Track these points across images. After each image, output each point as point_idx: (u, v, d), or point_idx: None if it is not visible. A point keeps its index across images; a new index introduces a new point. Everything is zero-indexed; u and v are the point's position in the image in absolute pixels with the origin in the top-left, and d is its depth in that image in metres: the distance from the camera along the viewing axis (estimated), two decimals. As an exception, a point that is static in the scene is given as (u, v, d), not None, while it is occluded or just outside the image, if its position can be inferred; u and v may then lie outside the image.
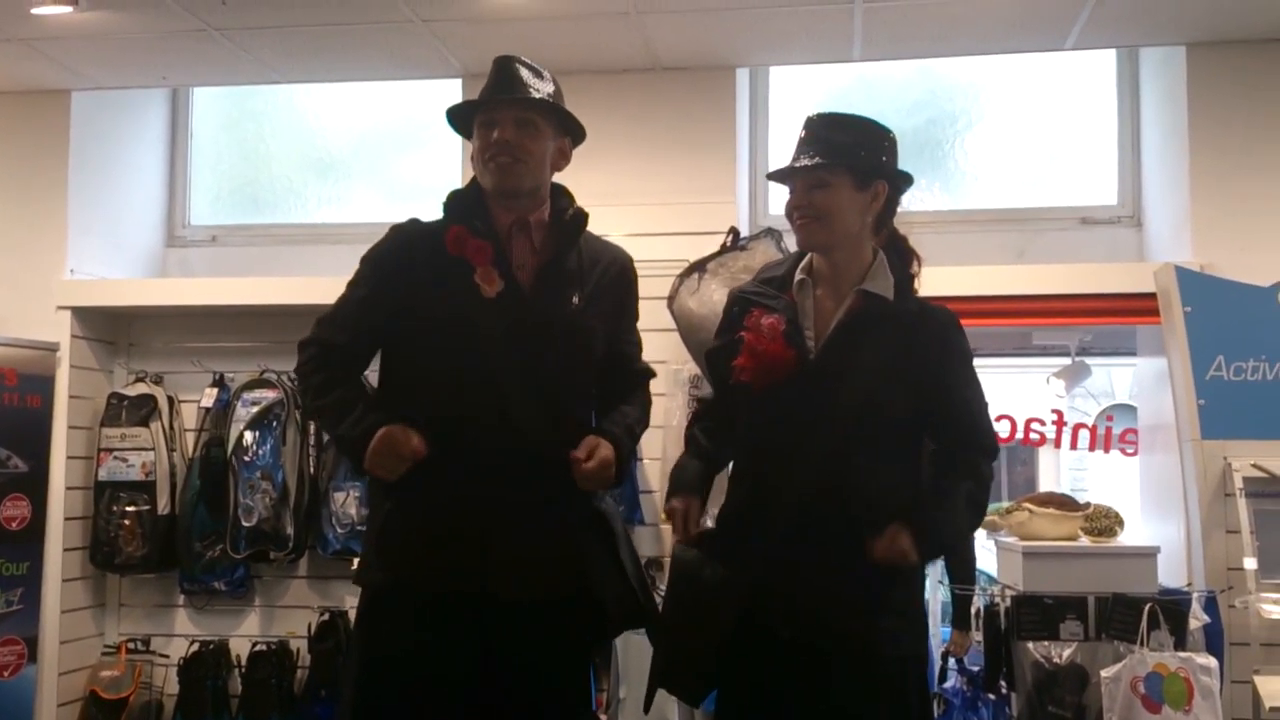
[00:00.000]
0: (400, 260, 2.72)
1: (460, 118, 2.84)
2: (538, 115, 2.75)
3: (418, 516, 2.62)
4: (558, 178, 2.86)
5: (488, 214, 2.75)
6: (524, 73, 2.76)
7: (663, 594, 2.88)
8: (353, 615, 4.81)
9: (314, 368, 2.75)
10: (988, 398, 2.83)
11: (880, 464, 2.63)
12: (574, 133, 2.85)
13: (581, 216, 2.83)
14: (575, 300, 2.74)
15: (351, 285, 2.79)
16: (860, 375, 2.63)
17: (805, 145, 2.72)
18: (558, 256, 2.77)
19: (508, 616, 2.59)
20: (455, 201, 2.80)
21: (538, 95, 2.75)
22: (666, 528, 4.57)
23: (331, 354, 2.75)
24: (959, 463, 2.72)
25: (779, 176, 2.78)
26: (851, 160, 2.69)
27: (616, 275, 2.88)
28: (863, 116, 2.77)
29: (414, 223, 2.81)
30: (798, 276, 2.75)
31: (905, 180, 2.80)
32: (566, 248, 2.79)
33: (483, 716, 2.63)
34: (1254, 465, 4.03)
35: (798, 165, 2.70)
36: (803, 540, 2.60)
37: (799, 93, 5.30)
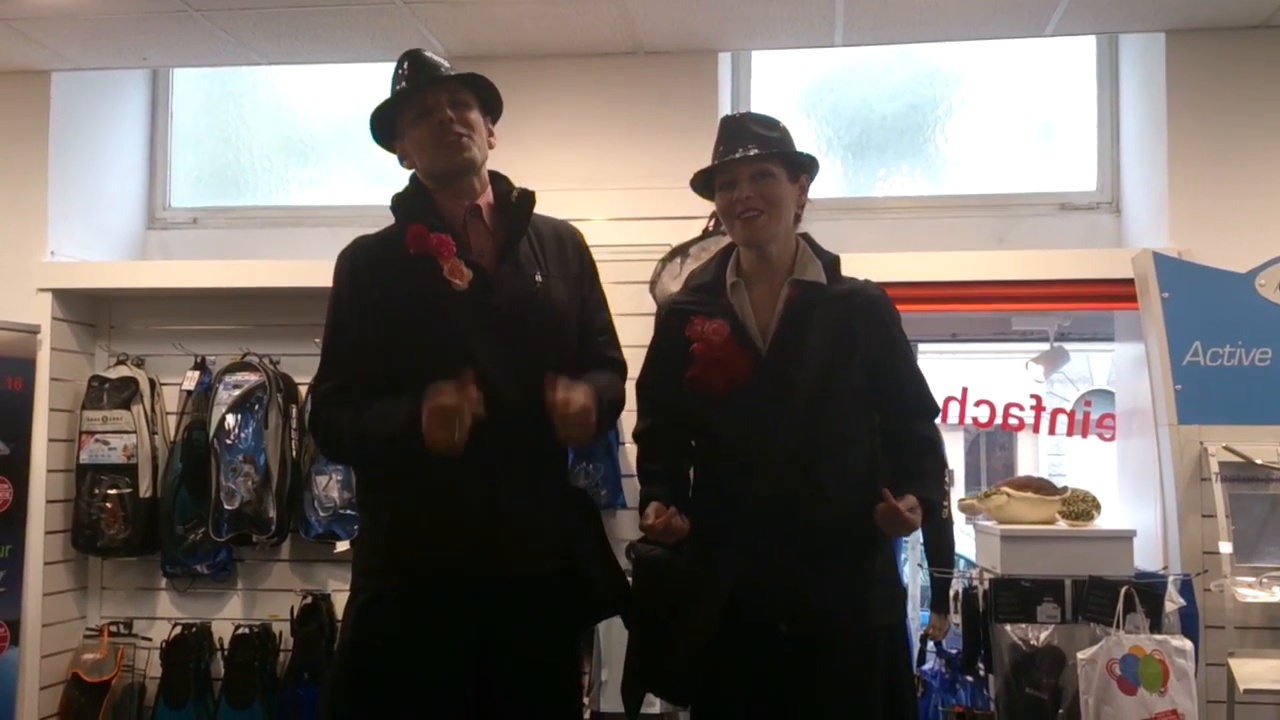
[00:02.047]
0: (362, 276, 2.71)
1: (384, 122, 2.82)
2: (466, 93, 2.78)
3: (423, 512, 2.63)
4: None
5: (438, 209, 2.75)
6: (435, 59, 2.80)
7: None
8: (335, 598, 4.87)
9: (338, 411, 2.67)
10: (923, 367, 2.98)
11: (843, 444, 2.69)
12: (494, 112, 2.87)
13: (529, 196, 2.84)
14: (537, 278, 2.76)
15: (327, 325, 2.76)
16: (811, 362, 2.69)
17: (736, 140, 2.76)
18: (513, 238, 2.78)
19: (503, 596, 2.62)
20: (404, 202, 2.79)
21: (457, 72, 2.78)
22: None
23: (347, 394, 2.69)
24: (908, 435, 2.82)
25: (719, 170, 2.80)
26: (785, 154, 2.77)
27: (572, 250, 2.90)
28: (774, 117, 2.85)
29: (359, 240, 2.81)
30: (730, 279, 2.79)
31: (814, 175, 2.88)
32: (520, 227, 2.80)
33: (475, 702, 2.65)
34: (1226, 448, 4.06)
35: (750, 154, 2.73)
36: (781, 532, 2.64)
37: (781, 77, 5.31)
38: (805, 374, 2.67)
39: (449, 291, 2.64)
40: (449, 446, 2.48)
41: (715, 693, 2.73)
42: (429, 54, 2.81)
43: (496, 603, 2.62)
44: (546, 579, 2.68)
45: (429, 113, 2.73)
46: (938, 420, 4.52)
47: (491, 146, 2.85)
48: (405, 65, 2.80)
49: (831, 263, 2.83)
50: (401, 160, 2.85)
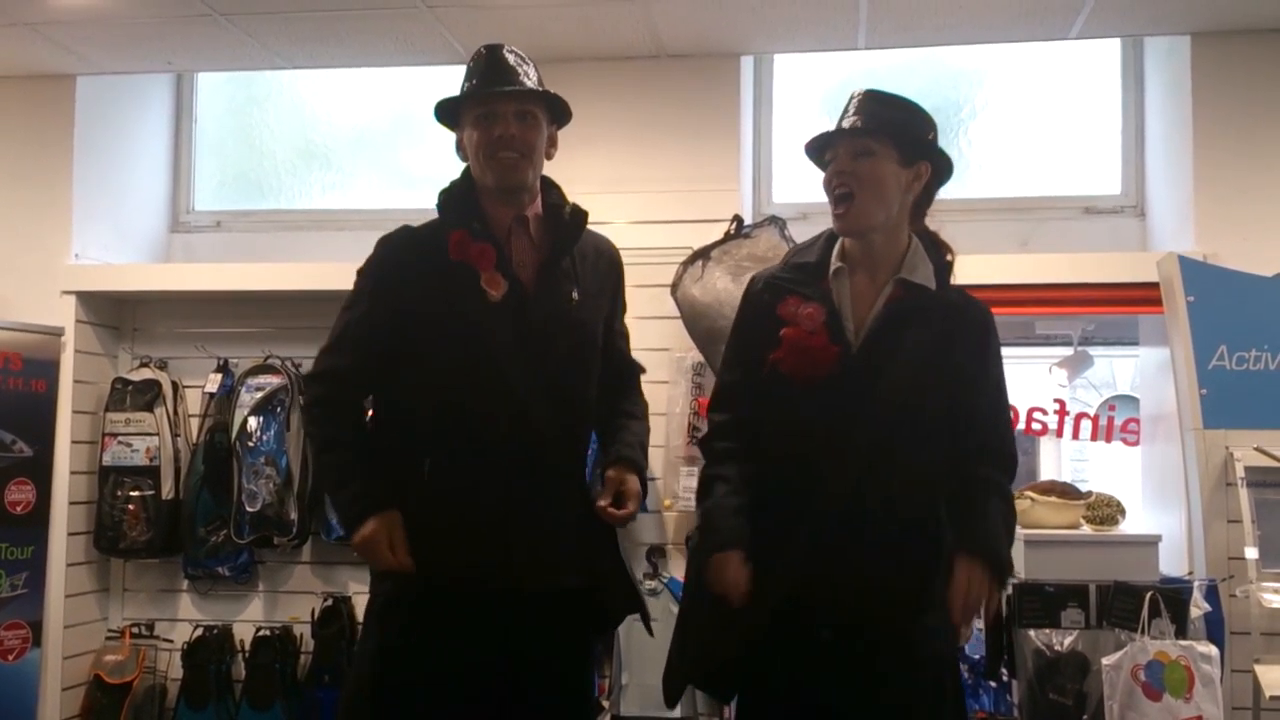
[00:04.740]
0: (397, 271, 2.69)
1: (449, 110, 2.78)
2: (535, 106, 2.72)
3: (441, 520, 2.62)
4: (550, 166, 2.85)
5: (484, 213, 2.72)
6: (514, 61, 2.73)
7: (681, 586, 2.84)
8: (356, 600, 4.87)
9: (321, 411, 2.76)
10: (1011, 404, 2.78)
11: (920, 457, 2.56)
12: (561, 120, 2.82)
13: (582, 215, 2.81)
14: (574, 296, 2.74)
15: (349, 306, 2.74)
16: (901, 369, 2.55)
17: (846, 114, 2.62)
18: (556, 255, 2.75)
19: (519, 608, 2.60)
20: (450, 202, 2.76)
21: (531, 84, 2.72)
22: (670, 515, 4.59)
23: (342, 386, 2.73)
24: (983, 480, 2.62)
25: (821, 141, 2.66)
26: (898, 133, 2.59)
27: (607, 268, 2.87)
28: (910, 99, 2.67)
29: (404, 230, 2.78)
30: (834, 264, 2.63)
31: (947, 166, 2.68)
32: (566, 246, 2.77)
33: (488, 709, 2.64)
34: (1257, 449, 4.02)
35: (844, 127, 2.59)
36: (845, 537, 2.51)
37: (803, 81, 5.30)
38: (893, 380, 2.53)
39: (484, 302, 2.62)
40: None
41: (761, 692, 2.63)
42: (509, 53, 2.74)
43: (513, 614, 2.61)
44: (563, 594, 2.66)
45: (491, 119, 2.68)
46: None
47: (550, 157, 2.80)
48: (481, 61, 2.75)
49: (944, 268, 2.67)
50: (458, 148, 2.80)
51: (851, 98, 2.67)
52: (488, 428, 2.61)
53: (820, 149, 2.67)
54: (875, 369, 2.55)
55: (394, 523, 2.60)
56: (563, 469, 2.72)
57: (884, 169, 2.57)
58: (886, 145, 2.57)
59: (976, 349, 2.64)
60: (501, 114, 2.68)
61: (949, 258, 2.71)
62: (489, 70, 2.72)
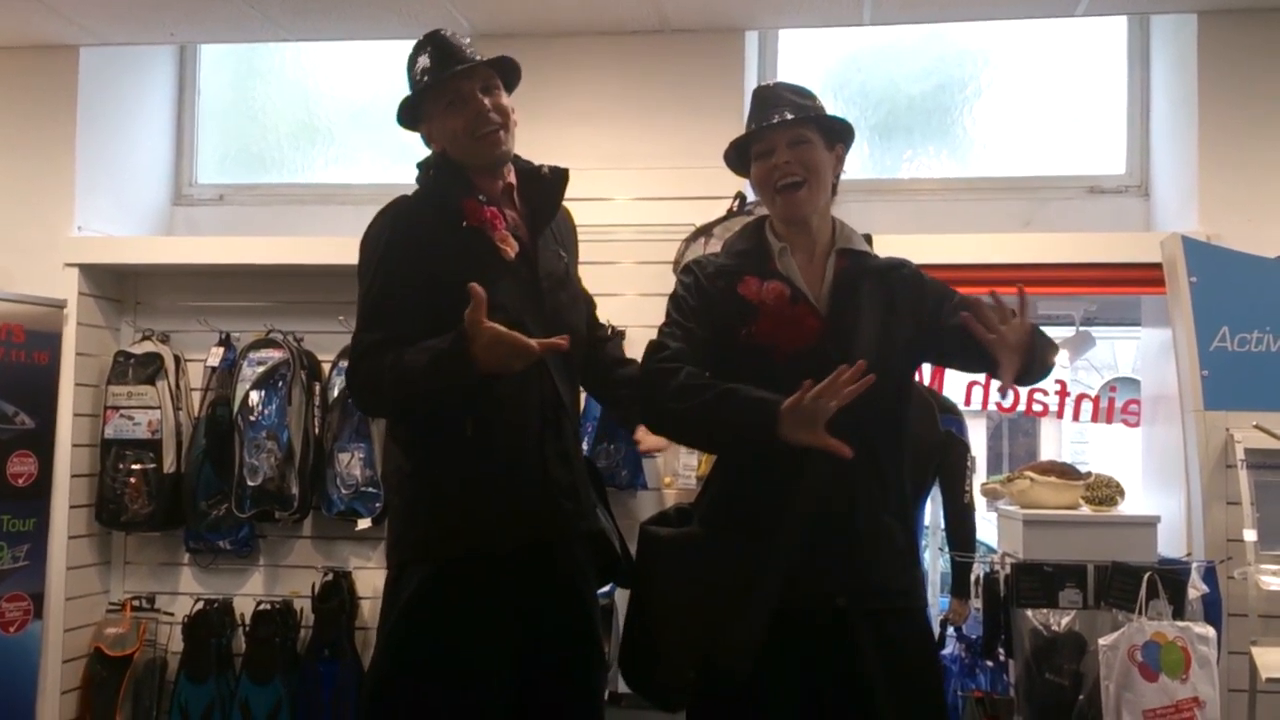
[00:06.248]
0: (407, 238, 2.70)
1: (411, 106, 2.82)
2: (495, 76, 2.79)
3: (489, 479, 2.65)
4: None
5: (475, 185, 2.77)
6: (458, 41, 2.79)
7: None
8: (356, 575, 4.89)
9: (379, 357, 2.63)
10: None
11: (893, 418, 2.64)
12: (512, 84, 2.87)
13: (563, 174, 2.86)
14: (561, 254, 2.85)
15: (381, 282, 2.69)
16: (867, 330, 2.61)
17: (771, 108, 2.69)
18: (545, 213, 2.84)
19: (545, 561, 2.69)
20: (441, 175, 2.79)
21: (482, 57, 2.78)
22: (670, 493, 4.59)
23: (389, 345, 2.64)
24: None
25: (755, 138, 2.70)
26: (821, 119, 2.70)
27: (572, 227, 3.00)
28: (803, 85, 2.78)
29: (403, 199, 2.80)
30: (778, 245, 2.69)
31: (850, 144, 2.79)
32: (554, 203, 2.85)
33: (514, 676, 2.68)
34: (1256, 426, 4.01)
35: (786, 119, 2.65)
36: (840, 505, 2.54)
37: (808, 57, 5.28)
38: (862, 343, 2.58)
39: (500, 261, 2.68)
40: (508, 365, 2.53)
41: (776, 676, 2.54)
42: (451, 35, 2.80)
43: (540, 568, 2.69)
44: (578, 541, 2.77)
45: (462, 101, 2.73)
46: (962, 406, 4.51)
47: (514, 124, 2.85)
48: (429, 50, 2.79)
49: (868, 239, 2.80)
50: (427, 141, 2.85)
51: (761, 92, 2.77)
52: (517, 383, 2.65)
53: (743, 147, 2.75)
54: (846, 334, 2.61)
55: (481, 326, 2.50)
56: (574, 417, 2.85)
57: (820, 155, 2.67)
58: (815, 132, 2.68)
59: (923, 293, 2.73)
60: (468, 92, 2.74)
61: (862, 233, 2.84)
62: (441, 56, 2.76)
